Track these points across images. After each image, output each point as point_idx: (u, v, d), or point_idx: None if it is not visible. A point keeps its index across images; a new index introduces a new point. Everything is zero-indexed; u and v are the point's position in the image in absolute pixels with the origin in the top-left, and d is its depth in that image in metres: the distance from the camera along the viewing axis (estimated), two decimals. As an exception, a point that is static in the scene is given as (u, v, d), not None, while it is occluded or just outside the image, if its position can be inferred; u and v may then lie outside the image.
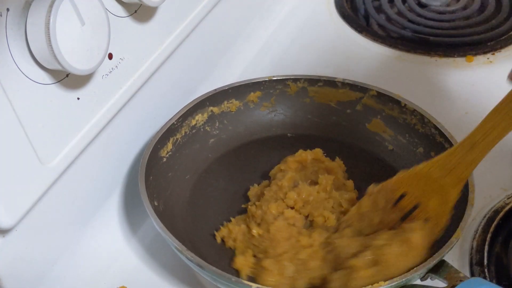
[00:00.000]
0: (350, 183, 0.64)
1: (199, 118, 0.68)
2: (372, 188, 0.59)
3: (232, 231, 0.60)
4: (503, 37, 0.87)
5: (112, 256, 0.62)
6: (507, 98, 0.50)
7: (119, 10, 0.56)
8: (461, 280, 0.50)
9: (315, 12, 0.93)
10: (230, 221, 0.62)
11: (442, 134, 0.63)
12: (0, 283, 0.51)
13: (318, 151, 0.66)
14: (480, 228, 0.62)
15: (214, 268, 0.51)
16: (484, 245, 0.60)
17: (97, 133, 0.56)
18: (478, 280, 0.50)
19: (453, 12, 0.92)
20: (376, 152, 0.69)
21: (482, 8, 0.92)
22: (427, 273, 0.52)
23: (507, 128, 0.51)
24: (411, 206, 0.56)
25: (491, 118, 0.52)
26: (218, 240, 0.61)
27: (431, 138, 0.65)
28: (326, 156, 0.66)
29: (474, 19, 0.90)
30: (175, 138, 0.66)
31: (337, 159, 0.66)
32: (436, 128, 0.64)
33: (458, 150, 0.54)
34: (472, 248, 0.61)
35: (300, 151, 0.66)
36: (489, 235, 0.61)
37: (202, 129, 0.69)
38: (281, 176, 0.63)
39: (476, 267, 0.59)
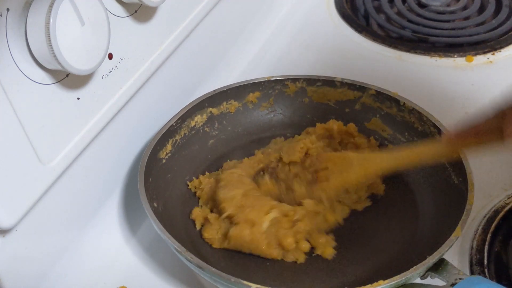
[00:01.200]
0: None
1: (198, 119, 0.68)
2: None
3: (202, 183, 0.64)
4: (503, 37, 0.87)
5: (112, 256, 0.62)
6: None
7: (119, 10, 0.56)
8: (460, 279, 0.50)
9: (315, 12, 0.93)
10: None
11: (440, 132, 0.63)
12: (0, 283, 0.51)
13: (352, 126, 0.68)
14: (480, 228, 0.62)
15: (213, 269, 0.51)
16: (484, 244, 0.60)
17: (97, 133, 0.56)
18: (478, 278, 0.49)
19: (453, 12, 0.92)
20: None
21: (482, 8, 0.92)
22: (426, 271, 0.52)
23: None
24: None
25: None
26: (192, 189, 0.65)
27: (429, 136, 0.65)
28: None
29: (474, 19, 0.90)
30: (174, 139, 0.66)
31: (372, 138, 0.68)
32: (434, 126, 0.64)
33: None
34: (472, 247, 0.60)
35: (332, 120, 0.68)
36: (489, 235, 0.61)
37: (201, 130, 0.69)
38: (304, 137, 0.67)
39: (476, 266, 0.59)
